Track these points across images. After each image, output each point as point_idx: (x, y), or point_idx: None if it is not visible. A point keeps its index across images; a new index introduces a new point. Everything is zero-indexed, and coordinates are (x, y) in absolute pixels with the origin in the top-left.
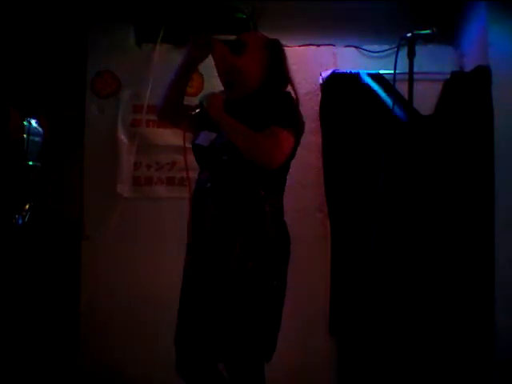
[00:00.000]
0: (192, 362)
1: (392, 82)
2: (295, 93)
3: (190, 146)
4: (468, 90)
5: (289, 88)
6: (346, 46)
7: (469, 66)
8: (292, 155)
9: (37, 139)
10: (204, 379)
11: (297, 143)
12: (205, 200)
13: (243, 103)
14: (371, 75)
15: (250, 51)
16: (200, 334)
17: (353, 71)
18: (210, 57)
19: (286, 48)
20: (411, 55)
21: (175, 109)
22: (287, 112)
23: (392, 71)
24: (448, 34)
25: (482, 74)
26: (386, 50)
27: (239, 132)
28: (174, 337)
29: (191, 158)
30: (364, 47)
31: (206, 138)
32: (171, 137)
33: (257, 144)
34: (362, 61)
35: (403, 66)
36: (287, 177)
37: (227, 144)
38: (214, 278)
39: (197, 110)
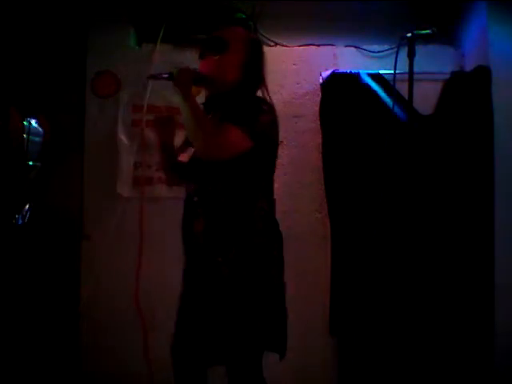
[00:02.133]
0: (191, 366)
1: (392, 82)
2: (268, 94)
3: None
4: (468, 89)
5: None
6: (346, 46)
7: (469, 66)
8: (266, 159)
9: (37, 139)
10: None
11: (259, 146)
12: (194, 213)
13: (216, 100)
14: (371, 75)
15: (231, 50)
16: (203, 338)
17: (353, 71)
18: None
19: (285, 48)
20: (411, 55)
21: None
22: (250, 114)
23: (392, 71)
24: (448, 34)
25: (482, 73)
26: (386, 50)
27: (195, 115)
28: (171, 345)
29: None
30: (364, 47)
31: (184, 154)
32: None
33: (205, 131)
34: (362, 61)
35: (403, 66)
36: (287, 177)
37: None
38: (211, 287)
39: (164, 75)
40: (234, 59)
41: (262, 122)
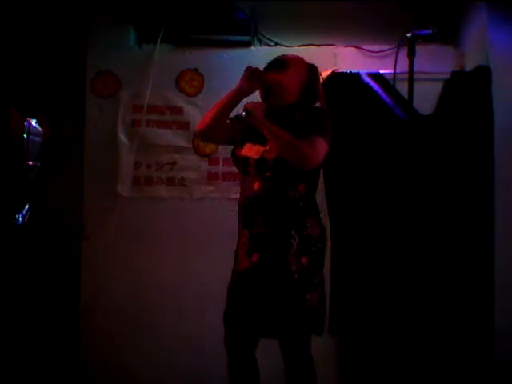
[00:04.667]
0: (244, 337)
1: (392, 82)
2: (325, 108)
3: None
4: (468, 89)
5: None
6: (346, 46)
7: (469, 66)
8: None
9: (37, 139)
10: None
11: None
12: (258, 208)
13: (280, 113)
14: (371, 75)
15: (291, 69)
16: (261, 310)
17: (353, 71)
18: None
19: (286, 48)
20: (411, 55)
21: (218, 129)
22: (323, 123)
23: (392, 71)
24: (448, 34)
25: (482, 73)
26: (386, 50)
27: (282, 137)
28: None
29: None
30: (364, 47)
31: (252, 149)
32: (171, 137)
33: (297, 148)
34: (362, 61)
35: (403, 65)
36: None
37: (278, 157)
38: (277, 272)
39: (243, 114)
40: (293, 77)
41: (329, 127)
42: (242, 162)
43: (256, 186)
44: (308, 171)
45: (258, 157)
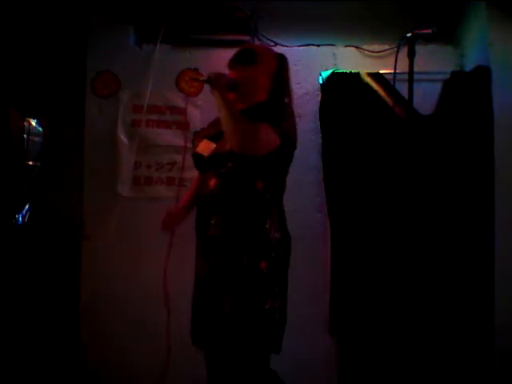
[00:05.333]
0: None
1: (392, 82)
2: (290, 102)
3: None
4: (468, 89)
5: None
6: (346, 46)
7: (469, 66)
8: (286, 159)
9: (37, 139)
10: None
11: (285, 145)
12: (215, 206)
13: (249, 113)
14: (371, 75)
15: (261, 62)
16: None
17: (353, 71)
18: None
19: (285, 48)
20: (411, 55)
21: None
22: (280, 116)
23: (392, 71)
24: (448, 34)
25: (482, 73)
26: (386, 50)
27: (232, 113)
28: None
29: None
30: (364, 47)
31: (204, 146)
32: (171, 137)
33: (242, 128)
34: (362, 61)
35: (403, 65)
36: (287, 177)
37: (231, 152)
38: (226, 277)
39: (203, 79)
40: (263, 72)
41: (288, 123)
42: (196, 161)
43: (212, 182)
44: (266, 168)
45: (208, 154)
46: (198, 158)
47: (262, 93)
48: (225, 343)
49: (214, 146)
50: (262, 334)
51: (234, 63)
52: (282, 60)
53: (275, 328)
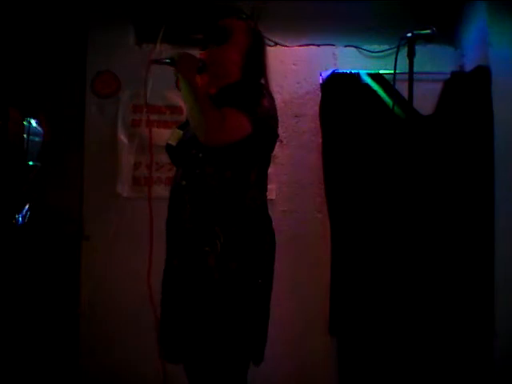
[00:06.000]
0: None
1: (392, 82)
2: (267, 84)
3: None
4: (468, 89)
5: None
6: (345, 46)
7: (469, 66)
8: (262, 149)
9: (37, 139)
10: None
11: (258, 134)
12: (181, 199)
13: (219, 97)
14: (371, 75)
15: (234, 39)
16: (180, 335)
17: (353, 71)
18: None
19: (285, 48)
20: (411, 55)
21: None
22: (250, 99)
23: (392, 71)
24: (448, 34)
25: (482, 73)
26: (386, 50)
27: (197, 99)
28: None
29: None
30: (364, 47)
31: (172, 135)
32: None
33: (207, 115)
34: (362, 61)
35: (403, 66)
36: (287, 177)
37: (195, 137)
38: (195, 278)
39: (165, 60)
40: (236, 49)
41: (262, 107)
42: (168, 152)
43: (179, 173)
44: (235, 156)
45: (174, 143)
46: (168, 148)
47: (235, 73)
48: (205, 354)
49: (181, 133)
50: (242, 341)
51: (204, 43)
52: (256, 35)
53: (256, 337)
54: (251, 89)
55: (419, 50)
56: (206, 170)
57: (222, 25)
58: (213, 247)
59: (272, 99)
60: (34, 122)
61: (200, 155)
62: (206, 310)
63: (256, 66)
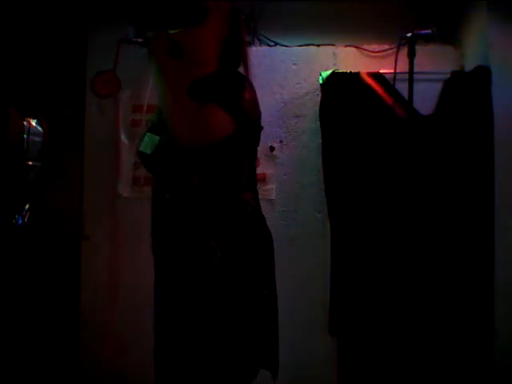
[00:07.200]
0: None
1: (392, 82)
2: (248, 72)
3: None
4: (468, 89)
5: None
6: (345, 46)
7: (469, 66)
8: (247, 146)
9: (37, 139)
10: None
11: (242, 131)
12: (167, 214)
13: (196, 89)
14: (371, 75)
15: (212, 20)
16: (181, 359)
17: (353, 71)
18: None
19: (285, 48)
20: (411, 55)
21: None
22: (233, 90)
23: (392, 71)
24: (448, 34)
25: (482, 73)
26: (386, 50)
27: (173, 90)
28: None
29: None
30: (364, 47)
31: (148, 143)
32: None
33: (185, 111)
34: (362, 61)
35: (403, 65)
36: (287, 177)
37: (175, 143)
38: (194, 301)
39: (138, 40)
40: (214, 32)
41: (245, 100)
42: (141, 161)
43: (160, 184)
44: (221, 159)
45: (150, 151)
46: (142, 157)
47: (212, 61)
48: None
49: (157, 139)
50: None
51: (177, 22)
52: (236, 18)
53: (268, 349)
54: (232, 81)
55: (419, 49)
56: (192, 181)
57: (199, 3)
58: (209, 264)
59: (253, 89)
60: (34, 122)
61: (183, 164)
62: (212, 333)
63: (236, 54)
